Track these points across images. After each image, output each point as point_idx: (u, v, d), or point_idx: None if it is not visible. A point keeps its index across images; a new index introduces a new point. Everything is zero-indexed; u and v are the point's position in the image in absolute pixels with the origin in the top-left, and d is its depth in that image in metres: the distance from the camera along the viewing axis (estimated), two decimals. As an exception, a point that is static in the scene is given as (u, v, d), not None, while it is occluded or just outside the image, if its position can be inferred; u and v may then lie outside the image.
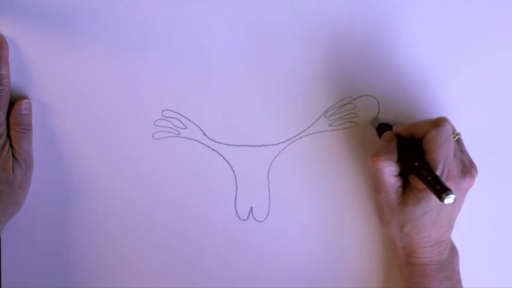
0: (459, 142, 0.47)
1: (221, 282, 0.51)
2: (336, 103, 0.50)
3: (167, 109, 0.49)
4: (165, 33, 0.48)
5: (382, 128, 0.48)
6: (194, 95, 0.49)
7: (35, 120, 0.49)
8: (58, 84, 0.48)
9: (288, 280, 0.51)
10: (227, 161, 0.50)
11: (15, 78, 0.48)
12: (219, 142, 0.50)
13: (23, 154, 0.47)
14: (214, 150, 0.50)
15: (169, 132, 0.50)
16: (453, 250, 0.47)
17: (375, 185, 0.46)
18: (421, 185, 0.43)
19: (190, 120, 0.50)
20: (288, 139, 0.50)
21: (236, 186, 0.50)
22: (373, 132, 0.50)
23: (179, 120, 0.50)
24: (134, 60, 0.48)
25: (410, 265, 0.46)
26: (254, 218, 0.51)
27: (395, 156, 0.45)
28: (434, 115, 0.50)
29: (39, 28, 0.47)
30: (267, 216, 0.51)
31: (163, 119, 0.49)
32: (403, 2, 0.48)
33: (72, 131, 0.49)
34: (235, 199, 0.51)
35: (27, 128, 0.48)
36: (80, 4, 0.47)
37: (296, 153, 0.50)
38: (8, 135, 0.47)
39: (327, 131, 0.50)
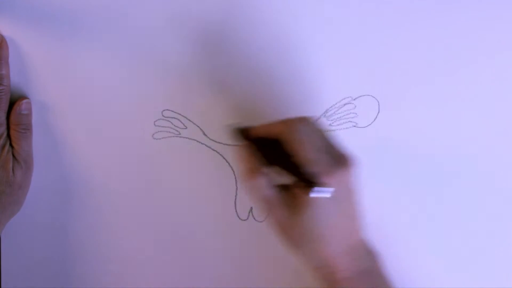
0: (328, 136, 0.43)
1: (221, 282, 0.51)
2: (336, 103, 0.50)
3: (167, 109, 0.49)
4: (165, 33, 0.48)
5: (239, 134, 0.43)
6: (194, 95, 0.49)
7: (35, 120, 0.49)
8: (58, 84, 0.48)
9: (288, 280, 0.51)
10: (227, 161, 0.50)
11: (15, 78, 0.48)
12: (219, 142, 0.50)
13: (23, 154, 0.47)
14: (214, 150, 0.50)
15: (169, 132, 0.50)
16: (372, 254, 0.44)
17: (261, 206, 0.42)
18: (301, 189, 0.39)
19: (190, 120, 0.50)
20: (288, 139, 0.50)
21: (236, 186, 0.50)
22: (374, 132, 0.50)
23: (179, 120, 0.50)
24: (134, 60, 0.48)
25: (335, 283, 0.42)
26: (254, 218, 0.51)
27: (260, 167, 0.41)
28: (434, 115, 0.50)
29: (39, 28, 0.47)
30: (267, 216, 0.51)
31: (163, 119, 0.49)
32: (404, 2, 0.48)
33: (72, 131, 0.49)
34: (235, 199, 0.51)
35: (27, 128, 0.48)
36: (80, 4, 0.47)
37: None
38: (8, 135, 0.47)
39: (327, 131, 0.50)
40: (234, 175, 0.50)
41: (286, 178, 0.41)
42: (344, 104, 0.50)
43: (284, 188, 0.41)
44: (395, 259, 0.50)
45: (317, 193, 0.37)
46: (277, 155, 0.41)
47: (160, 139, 0.50)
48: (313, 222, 0.40)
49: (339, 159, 0.40)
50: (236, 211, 0.51)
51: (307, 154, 0.39)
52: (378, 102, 0.50)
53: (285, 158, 0.40)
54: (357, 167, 0.41)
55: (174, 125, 0.50)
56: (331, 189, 0.37)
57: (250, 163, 0.41)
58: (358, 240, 0.43)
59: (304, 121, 0.41)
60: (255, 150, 0.42)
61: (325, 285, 0.43)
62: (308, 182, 0.38)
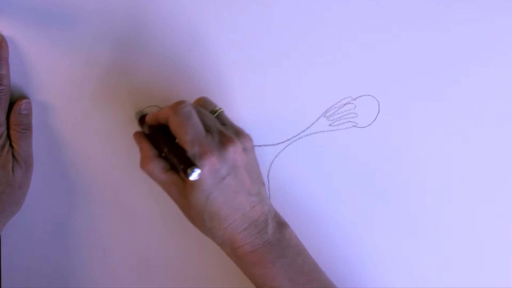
0: (221, 116, 0.44)
1: (221, 282, 0.51)
2: (336, 103, 0.50)
3: (167, 109, 0.49)
4: (165, 33, 0.48)
5: (141, 121, 0.46)
6: (194, 95, 0.49)
7: (35, 120, 0.49)
8: (58, 84, 0.48)
9: (288, 280, 0.51)
10: (227, 161, 0.50)
11: (15, 78, 0.48)
12: (219, 142, 0.50)
13: (23, 154, 0.47)
14: (214, 150, 0.50)
15: (169, 132, 0.50)
16: (281, 226, 0.44)
17: (164, 190, 0.43)
18: None
19: (190, 120, 0.50)
20: (288, 139, 0.50)
21: (236, 186, 0.50)
22: (374, 132, 0.50)
23: (179, 120, 0.49)
24: (134, 60, 0.48)
25: (239, 258, 0.43)
26: (254, 218, 0.51)
27: (153, 153, 0.42)
28: (434, 114, 0.50)
29: (39, 28, 0.47)
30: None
31: (163, 119, 0.49)
32: (404, 2, 0.48)
33: (72, 131, 0.49)
34: (235, 199, 0.51)
35: (27, 128, 0.48)
36: (81, 4, 0.47)
37: (296, 153, 0.50)
38: (8, 135, 0.47)
39: (327, 131, 0.50)
40: (234, 175, 0.50)
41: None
42: (344, 104, 0.50)
43: (176, 171, 0.42)
44: (393, 259, 0.50)
45: (192, 175, 0.37)
46: (161, 138, 0.42)
47: (160, 139, 0.50)
48: (204, 202, 0.41)
49: (222, 139, 0.41)
50: (236, 211, 0.51)
51: (186, 136, 0.40)
52: (378, 102, 0.50)
53: (165, 140, 0.42)
54: (240, 143, 0.42)
55: (174, 125, 0.50)
56: (198, 171, 0.38)
57: (142, 150, 0.43)
58: (261, 213, 0.43)
59: (184, 104, 0.41)
60: (148, 136, 0.44)
61: (233, 260, 0.44)
62: (182, 161, 0.39)
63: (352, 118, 0.50)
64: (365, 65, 0.49)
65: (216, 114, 0.44)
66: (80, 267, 0.51)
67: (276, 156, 0.50)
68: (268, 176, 0.50)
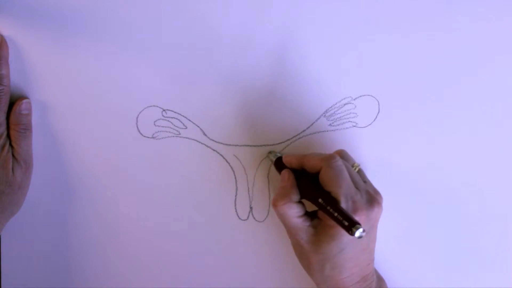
0: (360, 173, 0.47)
1: (221, 282, 0.51)
2: (336, 103, 0.50)
3: (167, 109, 0.49)
4: (165, 33, 0.48)
5: (279, 162, 0.47)
6: (194, 95, 0.49)
7: (35, 120, 0.49)
8: (58, 84, 0.48)
9: (289, 280, 0.51)
10: (227, 161, 0.50)
11: (15, 78, 0.48)
12: (219, 142, 0.50)
13: (23, 154, 0.47)
14: (214, 150, 0.50)
15: (169, 132, 0.50)
16: (380, 281, 0.47)
17: (286, 229, 0.45)
18: (331, 221, 0.41)
19: (190, 120, 0.50)
20: (288, 139, 0.50)
21: (236, 186, 0.50)
22: (374, 132, 0.50)
23: (179, 120, 0.50)
24: (134, 60, 0.48)
25: None
26: (254, 218, 0.51)
27: (295, 196, 0.44)
28: (434, 114, 0.50)
29: (39, 28, 0.47)
30: (267, 216, 0.51)
31: (163, 119, 0.49)
32: (404, 2, 0.48)
33: (72, 131, 0.49)
34: (235, 199, 0.51)
35: (27, 128, 0.48)
36: (81, 4, 0.47)
37: (296, 153, 0.50)
38: (8, 135, 0.47)
39: (327, 131, 0.50)
40: (234, 175, 0.50)
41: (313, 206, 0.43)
42: (344, 104, 0.50)
43: (310, 216, 0.44)
44: (393, 258, 0.50)
45: (357, 233, 0.39)
46: (311, 184, 0.44)
47: (160, 139, 0.50)
48: (335, 254, 0.43)
49: (369, 198, 0.43)
50: (236, 211, 0.51)
51: (340, 189, 0.42)
52: (378, 102, 0.50)
53: (319, 188, 0.43)
54: (382, 205, 0.44)
55: (174, 125, 0.50)
56: (362, 230, 0.39)
57: (285, 189, 0.44)
58: (371, 269, 0.45)
59: (337, 158, 0.43)
60: (292, 177, 0.45)
61: None
62: (344, 217, 0.40)
63: (352, 118, 0.50)
64: (365, 65, 0.49)
65: (357, 170, 0.46)
66: (80, 267, 0.51)
67: (276, 156, 0.50)
68: (268, 176, 0.50)
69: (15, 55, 0.47)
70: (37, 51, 0.48)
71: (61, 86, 0.48)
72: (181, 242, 0.51)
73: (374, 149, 0.50)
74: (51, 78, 0.48)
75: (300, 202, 0.44)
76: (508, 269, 0.52)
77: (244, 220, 0.51)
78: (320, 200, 0.42)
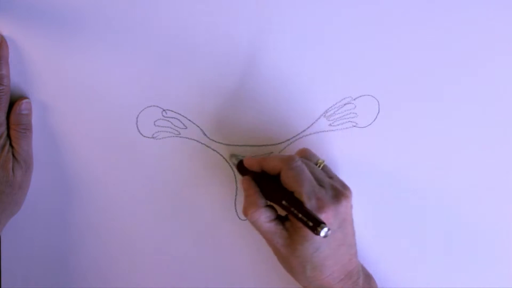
0: (325, 169, 0.46)
1: (221, 282, 0.51)
2: (336, 103, 0.50)
3: (167, 109, 0.49)
4: (165, 33, 0.48)
5: (241, 165, 0.47)
6: (194, 95, 0.49)
7: (35, 120, 0.49)
8: (58, 84, 0.48)
9: (289, 279, 0.51)
10: (227, 161, 0.50)
11: (15, 78, 0.48)
12: (219, 142, 0.50)
13: (23, 154, 0.47)
14: (214, 150, 0.50)
15: (169, 132, 0.50)
16: (368, 278, 0.47)
17: (263, 237, 0.44)
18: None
19: (190, 120, 0.50)
20: (288, 139, 0.50)
21: (236, 186, 0.51)
22: (374, 132, 0.50)
23: (179, 120, 0.50)
24: (134, 60, 0.48)
25: None
26: (254, 218, 0.51)
27: (261, 201, 0.43)
28: (434, 114, 0.50)
29: (39, 28, 0.47)
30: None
31: (163, 119, 0.49)
32: (404, 2, 0.48)
33: (72, 131, 0.49)
34: (235, 199, 0.51)
35: (27, 128, 0.48)
36: (81, 4, 0.47)
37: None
38: (8, 135, 0.47)
39: (327, 131, 0.50)
40: (234, 175, 0.50)
41: (282, 210, 0.43)
42: (344, 104, 0.50)
43: (281, 219, 0.44)
44: (393, 258, 0.50)
45: (323, 232, 0.38)
46: (275, 187, 0.43)
47: (160, 139, 0.50)
48: (311, 254, 0.42)
49: (335, 193, 0.42)
50: (236, 211, 0.51)
51: (302, 189, 0.41)
52: (378, 102, 0.50)
53: (282, 190, 0.43)
54: (350, 198, 0.43)
55: (174, 125, 0.50)
56: (327, 229, 0.39)
57: (250, 197, 0.44)
58: (355, 265, 0.45)
59: (297, 158, 0.43)
60: (255, 183, 0.45)
61: None
62: (309, 218, 0.40)
63: (352, 118, 0.50)
64: (365, 65, 0.49)
65: (321, 167, 0.46)
66: (80, 267, 0.51)
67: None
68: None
69: (15, 55, 0.47)
70: (37, 51, 0.48)
71: (61, 86, 0.48)
72: (181, 242, 0.51)
73: (374, 149, 0.50)
74: (51, 78, 0.48)
75: (269, 206, 0.44)
76: (508, 269, 0.52)
77: (244, 220, 0.51)
78: (283, 202, 0.42)
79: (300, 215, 0.40)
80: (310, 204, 0.41)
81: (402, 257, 0.51)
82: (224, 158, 0.50)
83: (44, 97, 0.48)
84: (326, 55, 0.49)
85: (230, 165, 0.50)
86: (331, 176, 0.46)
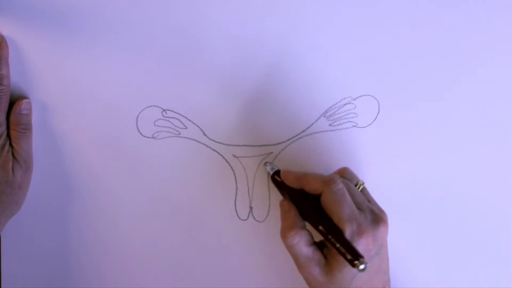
0: (364, 191, 0.46)
1: (221, 282, 0.51)
2: (336, 103, 0.50)
3: (167, 109, 0.49)
4: (165, 33, 0.48)
5: (277, 175, 0.46)
6: (194, 95, 0.49)
7: (35, 120, 0.49)
8: (58, 84, 0.48)
9: (289, 279, 0.51)
10: (227, 161, 0.50)
11: (15, 78, 0.48)
12: (219, 142, 0.50)
13: (23, 154, 0.47)
14: (214, 150, 0.50)
15: (169, 132, 0.50)
16: None
17: (295, 261, 0.43)
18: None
19: (190, 120, 0.50)
20: (288, 139, 0.50)
21: (236, 186, 0.50)
22: (374, 132, 0.50)
23: (179, 120, 0.50)
24: (134, 61, 0.48)
25: None
26: (254, 218, 0.51)
27: (301, 224, 0.43)
28: (434, 114, 0.50)
29: (39, 28, 0.47)
30: (267, 216, 0.51)
31: (163, 119, 0.49)
32: (404, 2, 0.48)
33: (72, 131, 0.49)
34: (235, 199, 0.51)
35: (27, 128, 0.48)
36: (81, 4, 0.47)
37: (296, 153, 0.50)
38: (8, 135, 0.47)
39: (327, 131, 0.50)
40: (234, 175, 0.50)
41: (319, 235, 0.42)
42: (344, 104, 0.50)
43: (319, 245, 0.43)
44: (393, 258, 0.50)
45: (361, 267, 0.38)
46: (313, 208, 0.43)
47: (160, 139, 0.50)
48: (348, 280, 0.41)
49: (374, 218, 0.42)
50: (236, 211, 0.51)
51: (343, 214, 0.41)
52: (378, 102, 0.50)
53: (321, 214, 0.42)
54: (387, 223, 0.43)
55: (174, 125, 0.50)
56: (366, 263, 0.38)
57: (289, 219, 0.43)
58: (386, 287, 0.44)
59: (338, 181, 0.42)
60: (292, 200, 0.44)
61: None
62: (347, 249, 0.39)
63: (352, 118, 0.50)
64: (365, 65, 0.49)
65: (360, 188, 0.46)
66: (80, 267, 0.51)
67: (276, 156, 0.50)
68: (268, 177, 0.50)
69: (15, 55, 0.47)
70: (37, 51, 0.48)
71: (61, 86, 0.48)
72: (181, 242, 0.51)
73: (374, 149, 0.50)
74: (51, 78, 0.48)
75: (307, 229, 0.43)
76: (508, 269, 0.52)
77: (244, 220, 0.51)
78: (320, 227, 0.41)
79: (338, 245, 0.39)
80: (351, 229, 0.40)
81: (402, 257, 0.51)
82: (224, 158, 0.50)
83: (44, 97, 0.48)
84: (326, 55, 0.49)
85: (230, 165, 0.50)
86: (369, 199, 0.45)
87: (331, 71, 0.49)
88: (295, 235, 0.42)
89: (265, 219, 0.51)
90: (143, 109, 0.49)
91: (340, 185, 0.42)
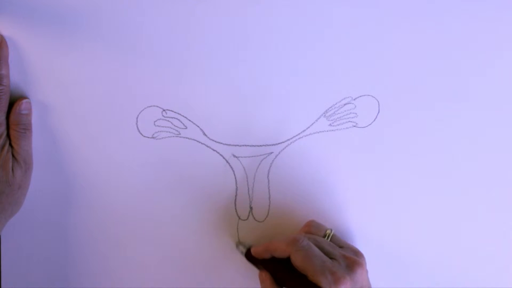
0: (334, 239, 0.47)
1: (221, 282, 0.51)
2: (336, 103, 0.50)
3: (167, 109, 0.49)
4: (165, 33, 0.48)
5: (250, 254, 0.48)
6: (194, 95, 0.49)
7: (35, 120, 0.49)
8: (58, 84, 0.48)
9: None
10: (227, 161, 0.50)
11: (15, 78, 0.48)
12: (219, 142, 0.50)
13: (23, 154, 0.47)
14: (214, 150, 0.50)
15: (169, 132, 0.50)
16: None
17: None
18: None
19: (190, 120, 0.50)
20: (288, 139, 0.50)
21: (236, 186, 0.50)
22: (374, 132, 0.50)
23: (179, 120, 0.50)
24: (134, 61, 0.48)
25: None
26: (254, 218, 0.51)
27: None
28: (434, 114, 0.50)
29: (39, 28, 0.47)
30: (267, 216, 0.51)
31: (163, 119, 0.49)
32: (404, 2, 0.48)
33: (72, 131, 0.49)
34: (235, 199, 0.51)
35: (27, 128, 0.48)
36: (81, 4, 0.47)
37: (296, 153, 0.50)
38: (8, 135, 0.47)
39: (327, 131, 0.50)
40: (234, 175, 0.50)
41: None
42: (344, 104, 0.50)
43: None
44: (394, 257, 0.50)
45: None
46: (287, 272, 0.44)
47: (160, 139, 0.50)
48: None
49: (348, 263, 0.43)
50: (236, 211, 0.51)
51: (315, 267, 0.42)
52: (378, 102, 0.50)
53: (296, 275, 0.43)
54: (365, 264, 0.43)
55: (174, 125, 0.50)
56: None
57: None
58: None
59: (302, 239, 0.43)
60: (267, 271, 0.45)
61: None
62: None
63: (352, 118, 0.50)
64: (365, 65, 0.49)
65: (330, 237, 0.46)
66: (80, 267, 0.51)
67: (276, 156, 0.50)
68: (268, 176, 0.50)
69: (15, 55, 0.47)
70: (37, 51, 0.48)
71: (61, 86, 0.48)
72: (181, 242, 0.51)
73: (374, 149, 0.50)
74: (51, 78, 0.48)
75: None
76: (508, 269, 0.52)
77: (244, 220, 0.51)
78: (293, 281, 0.42)
79: None
80: (326, 281, 0.41)
81: (400, 256, 0.51)
82: (224, 158, 0.50)
83: (44, 97, 0.48)
84: (326, 55, 0.49)
85: (230, 165, 0.50)
86: (341, 245, 0.46)
87: (331, 71, 0.49)
88: None
89: (265, 219, 0.51)
90: (143, 109, 0.49)
91: (304, 242, 0.43)
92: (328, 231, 0.47)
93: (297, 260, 0.43)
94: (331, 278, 0.41)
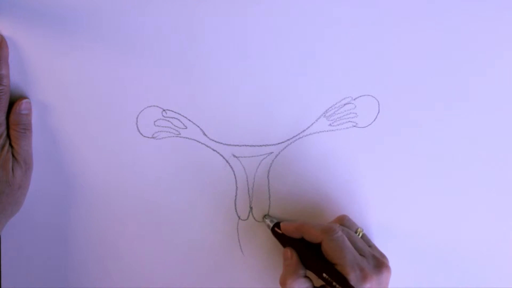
0: (364, 237, 0.47)
1: (221, 282, 0.51)
2: (336, 103, 0.50)
3: (167, 109, 0.49)
4: (165, 33, 0.48)
5: (277, 229, 0.48)
6: (194, 95, 0.49)
7: (35, 120, 0.49)
8: (58, 84, 0.48)
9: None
10: (227, 161, 0.50)
11: (15, 78, 0.48)
12: (219, 142, 0.50)
13: (23, 154, 0.47)
14: (214, 150, 0.50)
15: (169, 132, 0.50)
16: None
17: None
18: None
19: (190, 120, 0.50)
20: (288, 139, 0.50)
21: (236, 186, 0.51)
22: (374, 132, 0.50)
23: (179, 120, 0.50)
24: (134, 61, 0.48)
25: None
26: (254, 218, 0.51)
27: (302, 271, 0.44)
28: (434, 114, 0.50)
29: (39, 28, 0.47)
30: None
31: (163, 119, 0.49)
32: (404, 2, 0.48)
33: (72, 131, 0.49)
34: (235, 199, 0.51)
35: (27, 128, 0.48)
36: (81, 4, 0.47)
37: (296, 153, 0.50)
38: (8, 135, 0.47)
39: (327, 131, 0.50)
40: (234, 175, 0.50)
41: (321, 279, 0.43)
42: (344, 104, 0.50)
43: None
44: (394, 257, 0.50)
45: None
46: (315, 257, 0.44)
47: (160, 139, 0.50)
48: None
49: (377, 263, 0.43)
50: (236, 211, 0.51)
51: (345, 260, 0.42)
52: (378, 102, 0.50)
53: (323, 262, 0.43)
54: (390, 267, 0.44)
55: (174, 125, 0.50)
56: None
57: (290, 267, 0.44)
58: None
59: (337, 229, 0.44)
60: (296, 252, 0.45)
61: None
62: None
63: (352, 118, 0.50)
64: (365, 65, 0.49)
65: (360, 235, 0.47)
66: (80, 267, 0.51)
67: (276, 156, 0.50)
68: (268, 176, 0.50)
69: (15, 55, 0.47)
70: (37, 51, 0.48)
71: (61, 86, 0.48)
72: (181, 242, 0.51)
73: (374, 149, 0.50)
74: (51, 78, 0.48)
75: (307, 277, 0.44)
76: (508, 269, 0.52)
77: (244, 220, 0.51)
78: (324, 275, 0.42)
79: (336, 283, 0.41)
80: (354, 275, 0.41)
81: (400, 256, 0.51)
82: (224, 158, 0.50)
83: (44, 97, 0.48)
84: (326, 55, 0.49)
85: (230, 165, 0.50)
86: (370, 245, 0.47)
87: (331, 71, 0.49)
88: (294, 282, 0.43)
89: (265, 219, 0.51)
90: (143, 109, 0.49)
91: (339, 233, 0.44)
92: (359, 229, 0.47)
93: (330, 249, 0.43)
94: (359, 274, 0.42)
